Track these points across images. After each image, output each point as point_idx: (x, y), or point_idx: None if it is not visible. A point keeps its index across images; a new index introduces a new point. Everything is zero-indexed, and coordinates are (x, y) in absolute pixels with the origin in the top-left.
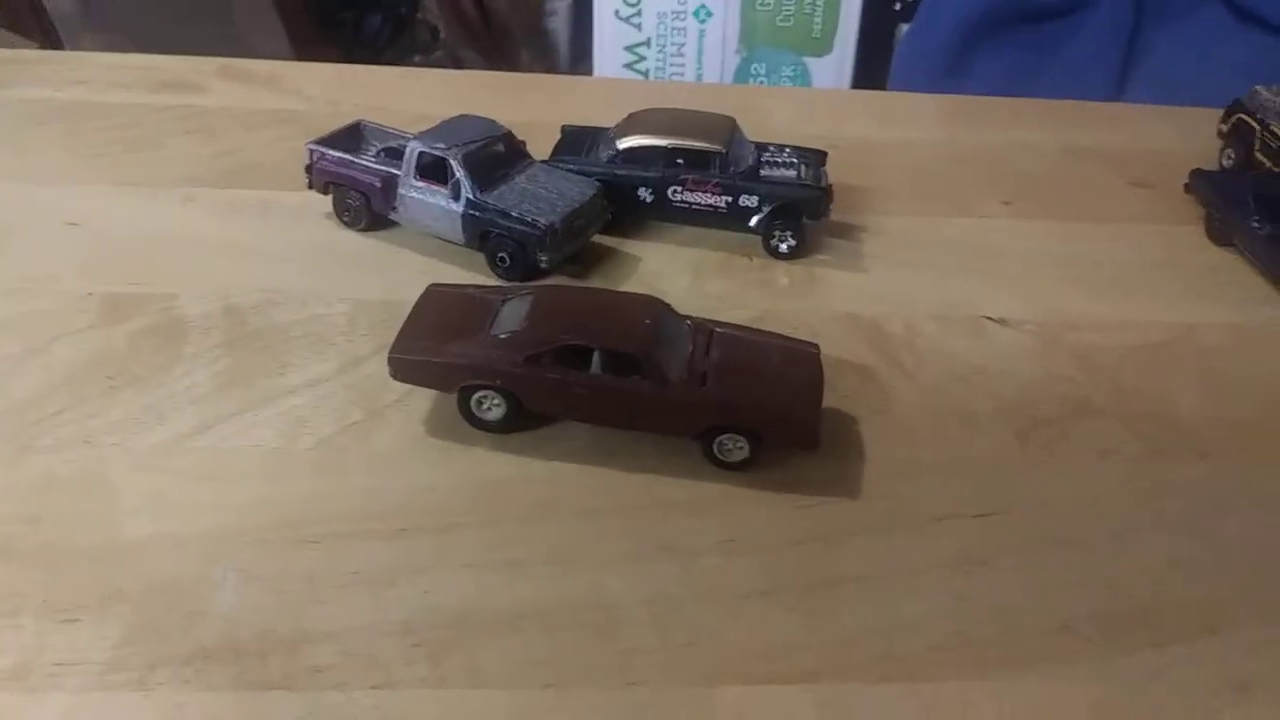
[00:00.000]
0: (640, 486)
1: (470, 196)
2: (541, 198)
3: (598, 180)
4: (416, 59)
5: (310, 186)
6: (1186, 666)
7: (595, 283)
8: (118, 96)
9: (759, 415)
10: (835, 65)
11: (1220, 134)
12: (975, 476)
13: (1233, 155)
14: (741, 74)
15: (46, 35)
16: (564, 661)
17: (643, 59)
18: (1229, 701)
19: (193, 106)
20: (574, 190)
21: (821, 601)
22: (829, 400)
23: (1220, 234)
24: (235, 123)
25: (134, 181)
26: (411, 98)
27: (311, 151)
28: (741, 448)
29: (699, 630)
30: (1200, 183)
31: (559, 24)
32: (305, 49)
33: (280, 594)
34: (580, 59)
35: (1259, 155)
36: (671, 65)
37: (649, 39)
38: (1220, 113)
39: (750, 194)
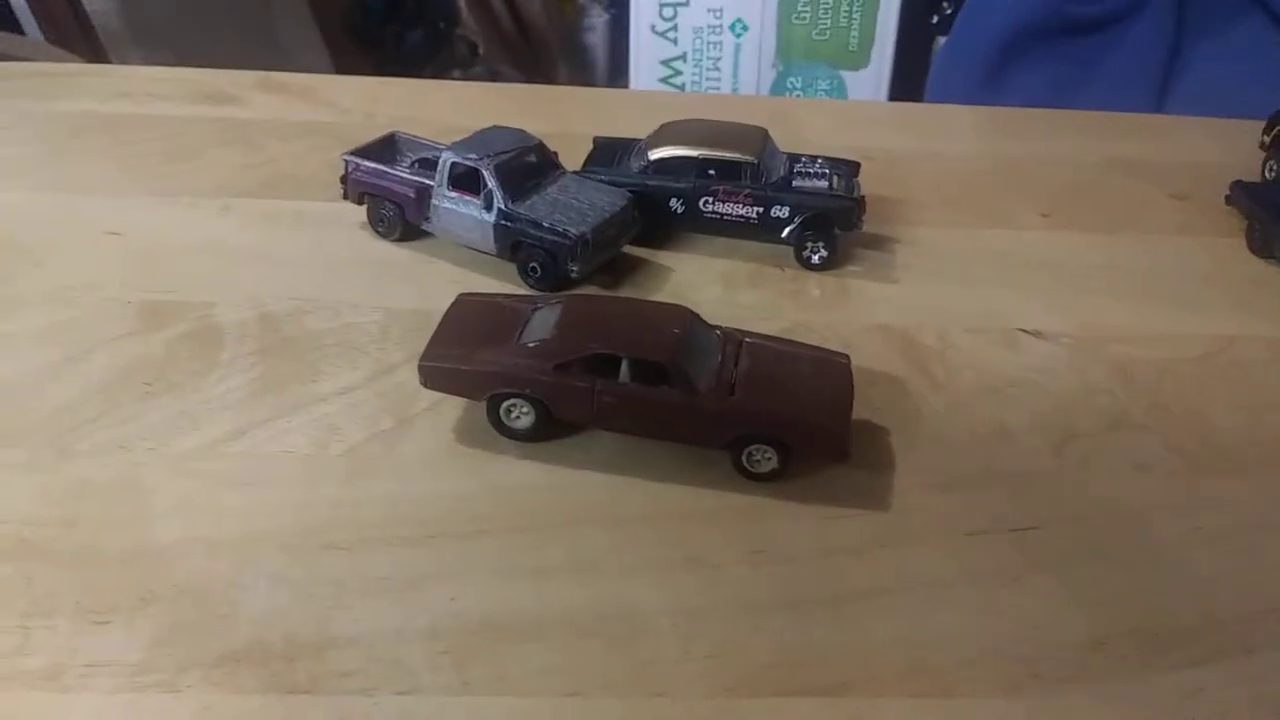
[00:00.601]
0: (668, 496)
1: (502, 207)
2: (573, 208)
3: (629, 191)
4: (455, 74)
5: (345, 197)
6: (1224, 685)
7: (626, 293)
8: (157, 108)
9: (788, 426)
10: (872, 79)
11: (1262, 145)
12: (1009, 490)
13: (1275, 167)
14: (777, 88)
15: (93, 51)
16: (589, 670)
17: (679, 73)
18: None
19: (231, 118)
20: (605, 201)
21: (850, 614)
22: (860, 412)
23: (1262, 246)
24: (272, 134)
25: (173, 191)
26: (444, 109)
27: (347, 162)
28: (770, 459)
29: (724, 641)
30: (1241, 194)
31: (596, 39)
32: (346, 65)
33: (309, 599)
34: (617, 73)
35: None
36: (707, 79)
37: (685, 53)
38: (1262, 124)
39: (782, 205)
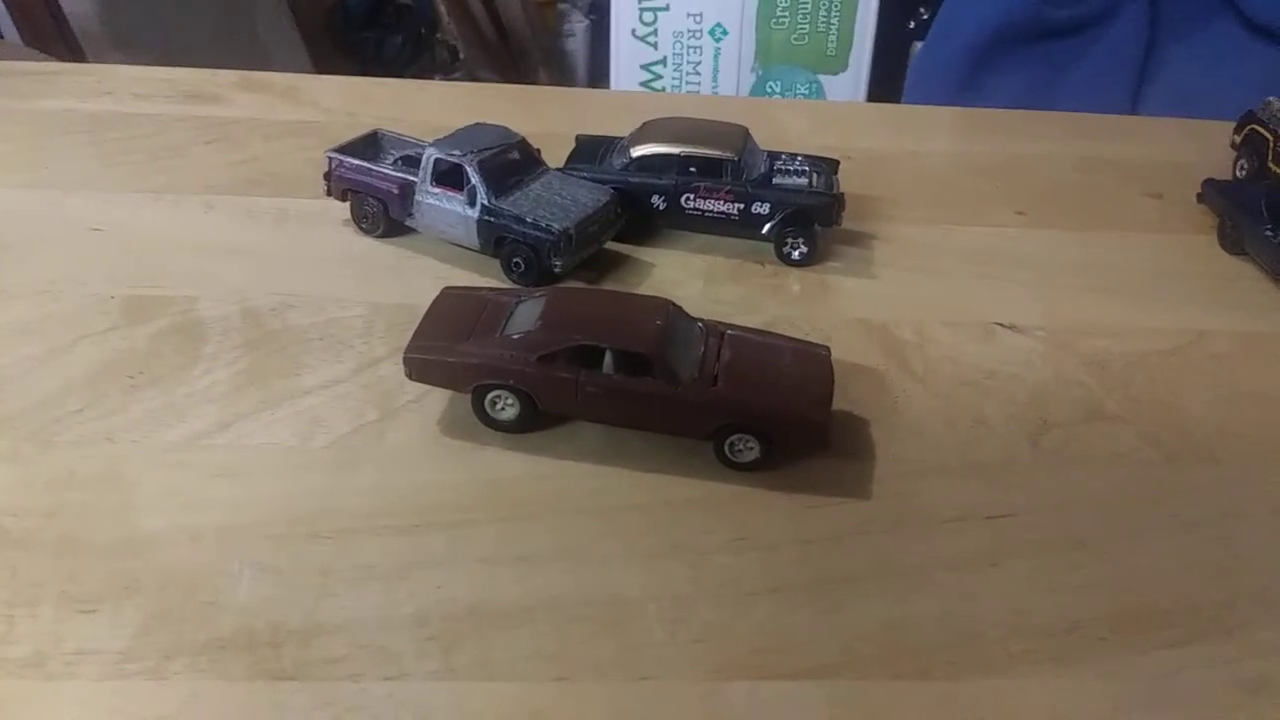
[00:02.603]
0: (652, 486)
1: (485, 202)
2: (556, 204)
3: (611, 187)
4: (436, 78)
5: (329, 194)
6: (1199, 667)
7: (608, 288)
8: (141, 107)
9: (769, 416)
10: (850, 83)
11: (1233, 145)
12: (986, 479)
13: (1246, 166)
14: (757, 92)
15: (73, 54)
16: (574, 655)
17: (659, 77)
18: (1242, 702)
19: (213, 117)
20: (588, 197)
21: (832, 599)
22: (840, 403)
23: (1233, 243)
24: (255, 133)
25: (156, 189)
26: (427, 109)
27: (330, 159)
28: (752, 448)
29: (709, 626)
30: (1213, 192)
31: (577, 44)
32: (327, 71)
33: (295, 587)
34: (598, 78)
35: (1272, 165)
36: (687, 83)
37: (665, 57)
38: (1233, 124)
39: (762, 201)
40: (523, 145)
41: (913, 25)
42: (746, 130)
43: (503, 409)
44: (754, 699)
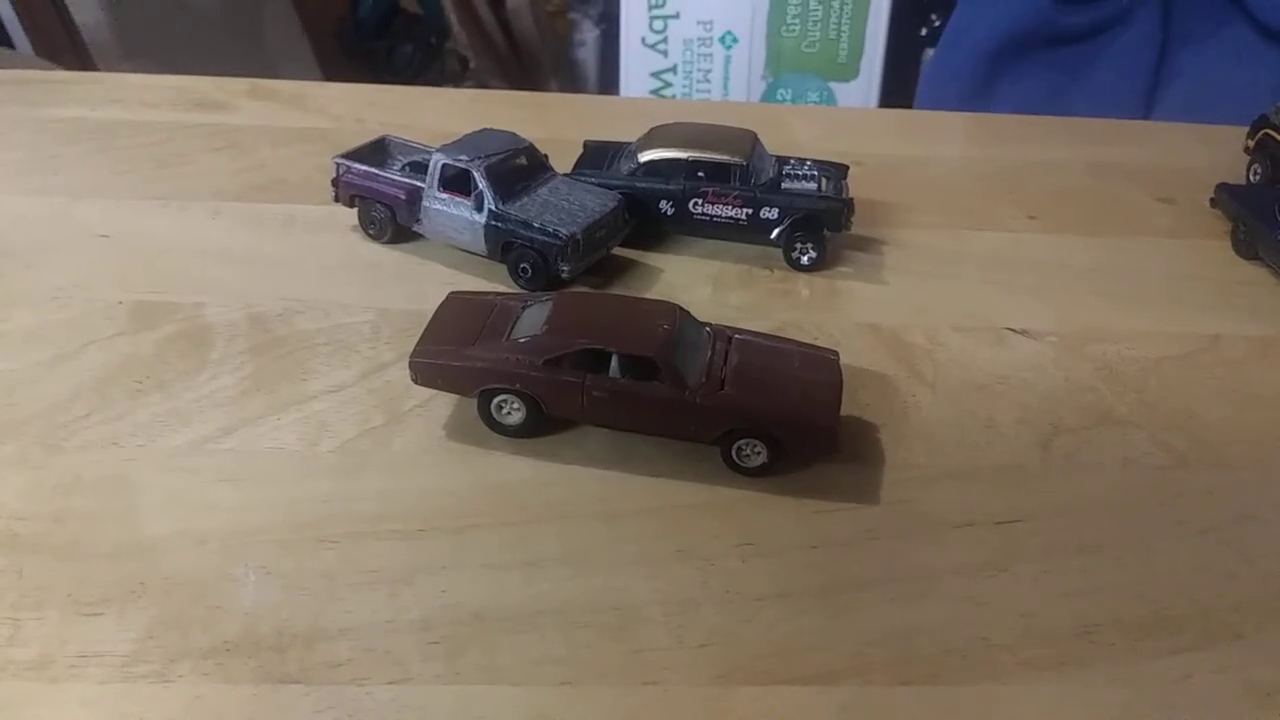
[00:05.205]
0: (658, 491)
1: (493, 208)
2: (563, 209)
3: (619, 193)
4: (446, 88)
5: (336, 200)
6: (1210, 673)
7: (615, 293)
8: (149, 115)
9: (777, 420)
10: (861, 90)
11: (1247, 149)
12: (996, 484)
13: (1259, 170)
14: (768, 99)
15: (82, 64)
16: (579, 660)
17: (669, 85)
18: (1252, 708)
19: (221, 124)
20: (595, 202)
21: (840, 605)
22: (849, 409)
23: (1246, 247)
24: (263, 140)
25: (163, 196)
26: (435, 116)
27: (337, 165)
28: (760, 453)
29: (716, 632)
30: (1226, 197)
31: (587, 54)
32: (337, 79)
33: (300, 591)
34: (608, 87)
35: None
36: (698, 91)
37: (675, 65)
38: (1246, 129)
39: (771, 206)
40: (530, 150)
41: (924, 32)
42: (755, 135)
43: (509, 413)
44: (761, 705)
